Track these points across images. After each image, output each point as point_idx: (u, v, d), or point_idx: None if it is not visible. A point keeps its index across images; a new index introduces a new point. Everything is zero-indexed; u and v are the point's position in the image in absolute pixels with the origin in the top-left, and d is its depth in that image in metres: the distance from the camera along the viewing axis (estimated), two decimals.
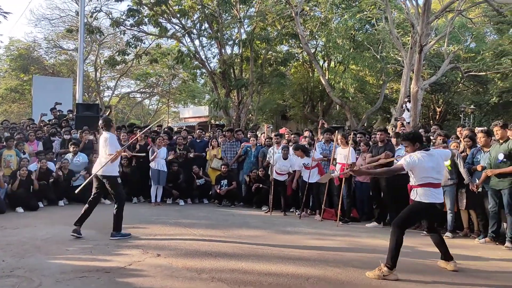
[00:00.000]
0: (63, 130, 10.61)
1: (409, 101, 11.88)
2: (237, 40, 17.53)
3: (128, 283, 3.89)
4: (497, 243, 6.00)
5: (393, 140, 7.46)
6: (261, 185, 8.99)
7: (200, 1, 16.44)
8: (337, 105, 20.36)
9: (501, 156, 5.87)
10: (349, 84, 17.15)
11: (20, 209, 7.70)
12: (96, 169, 5.78)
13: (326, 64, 20.94)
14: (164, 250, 5.08)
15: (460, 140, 7.23)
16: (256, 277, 4.13)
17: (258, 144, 9.83)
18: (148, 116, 36.97)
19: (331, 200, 8.10)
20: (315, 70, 19.53)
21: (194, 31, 17.57)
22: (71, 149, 9.22)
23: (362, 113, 20.92)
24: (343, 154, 7.51)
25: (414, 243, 5.69)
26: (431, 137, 7.61)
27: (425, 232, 6.11)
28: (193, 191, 9.59)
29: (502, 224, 6.14)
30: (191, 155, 9.79)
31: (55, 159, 9.32)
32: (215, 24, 17.01)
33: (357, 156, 7.93)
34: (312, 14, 18.55)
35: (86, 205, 5.78)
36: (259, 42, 17.31)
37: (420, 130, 8.65)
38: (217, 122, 20.95)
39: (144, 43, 19.20)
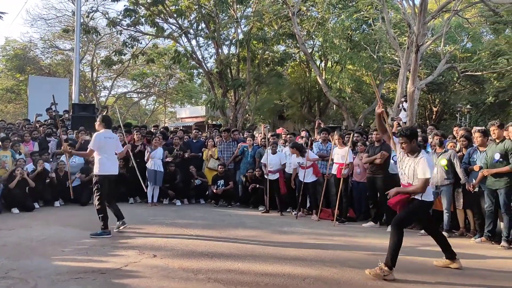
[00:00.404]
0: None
1: (406, 101, 11.89)
2: (234, 40, 17.51)
3: (124, 284, 3.87)
4: (493, 242, 6.03)
5: None
6: (257, 185, 8.98)
7: (197, 1, 16.41)
8: (334, 105, 20.37)
9: (497, 156, 5.89)
10: (346, 84, 17.19)
11: (15, 210, 7.65)
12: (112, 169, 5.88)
13: (323, 64, 20.97)
14: (161, 250, 5.06)
15: (457, 140, 7.26)
16: (252, 277, 4.12)
17: (254, 144, 9.82)
18: (145, 116, 36.87)
19: (328, 200, 8.10)
20: (312, 70, 19.55)
21: (191, 31, 17.55)
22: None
23: (359, 113, 20.97)
24: (340, 154, 7.53)
25: (411, 243, 5.68)
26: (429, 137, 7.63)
27: (422, 232, 6.15)
28: (190, 191, 9.57)
29: (498, 223, 6.17)
30: (187, 155, 9.78)
31: (51, 160, 9.26)
32: (212, 24, 16.99)
33: (354, 156, 7.93)
34: (309, 14, 18.59)
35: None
36: (256, 42, 17.32)
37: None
38: (214, 122, 20.91)
39: (141, 43, 19.13)
